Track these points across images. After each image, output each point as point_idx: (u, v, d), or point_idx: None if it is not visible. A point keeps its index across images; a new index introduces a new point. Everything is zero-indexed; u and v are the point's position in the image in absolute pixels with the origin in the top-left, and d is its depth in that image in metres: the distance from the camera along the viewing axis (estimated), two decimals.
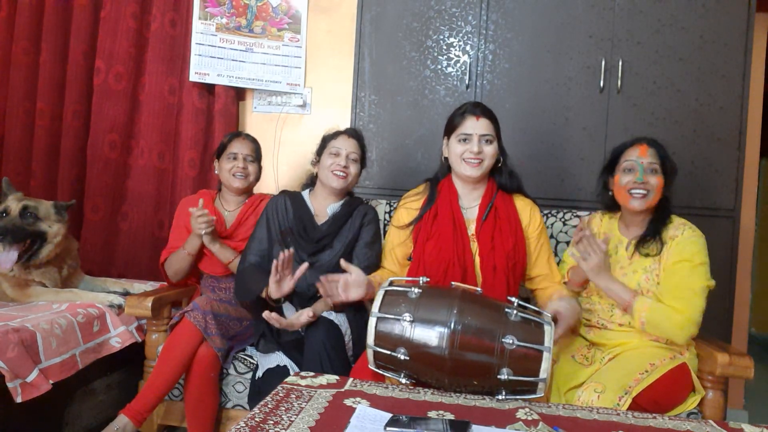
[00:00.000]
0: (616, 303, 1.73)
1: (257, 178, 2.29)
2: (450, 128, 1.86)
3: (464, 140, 1.80)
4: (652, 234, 1.75)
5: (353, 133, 2.06)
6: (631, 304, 1.67)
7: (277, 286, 1.77)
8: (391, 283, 1.52)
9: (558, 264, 1.96)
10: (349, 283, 1.70)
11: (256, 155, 2.27)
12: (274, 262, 1.74)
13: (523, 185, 1.92)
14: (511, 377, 1.35)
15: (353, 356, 1.83)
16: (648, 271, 1.74)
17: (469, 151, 1.78)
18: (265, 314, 1.74)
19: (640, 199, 1.74)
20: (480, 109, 1.82)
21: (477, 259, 1.79)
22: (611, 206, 1.89)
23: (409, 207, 1.91)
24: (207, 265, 2.20)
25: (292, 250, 1.77)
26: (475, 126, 1.79)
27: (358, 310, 1.87)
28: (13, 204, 2.11)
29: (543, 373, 1.35)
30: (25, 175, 2.86)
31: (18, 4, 2.85)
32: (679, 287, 1.66)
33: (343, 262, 1.74)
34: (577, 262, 1.73)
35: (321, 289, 1.72)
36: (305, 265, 1.76)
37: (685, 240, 1.71)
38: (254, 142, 2.30)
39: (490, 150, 1.80)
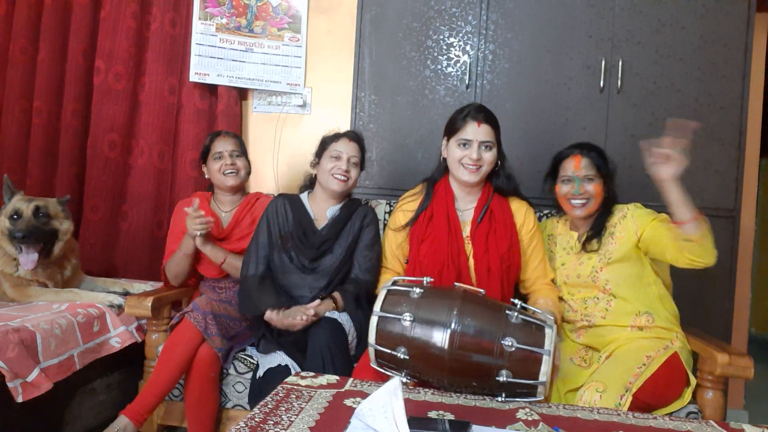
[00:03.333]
0: (677, 210, 1.62)
1: (248, 173, 2.28)
2: (451, 130, 1.85)
3: (464, 145, 1.79)
4: (596, 233, 1.85)
5: (354, 136, 2.04)
6: (696, 216, 1.61)
7: (281, 323, 1.81)
8: (394, 283, 1.52)
9: None
10: None
11: (242, 150, 2.26)
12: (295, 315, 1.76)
13: (520, 188, 1.92)
14: (510, 379, 1.35)
15: (356, 356, 1.83)
16: (600, 253, 1.84)
17: (468, 157, 1.78)
18: (267, 314, 1.77)
19: (581, 207, 1.86)
20: (483, 115, 1.81)
21: (471, 261, 1.79)
22: (559, 208, 1.98)
23: (406, 209, 1.92)
24: (204, 268, 2.20)
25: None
26: (476, 132, 1.78)
27: (362, 310, 1.87)
28: (23, 205, 2.12)
29: (542, 376, 1.35)
30: (21, 174, 2.85)
31: (16, 3, 2.85)
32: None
33: None
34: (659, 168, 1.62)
35: None
36: (311, 312, 1.77)
37: (636, 210, 1.82)
38: (236, 137, 2.29)
39: (489, 157, 1.80)
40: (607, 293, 1.82)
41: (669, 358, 1.67)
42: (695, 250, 1.63)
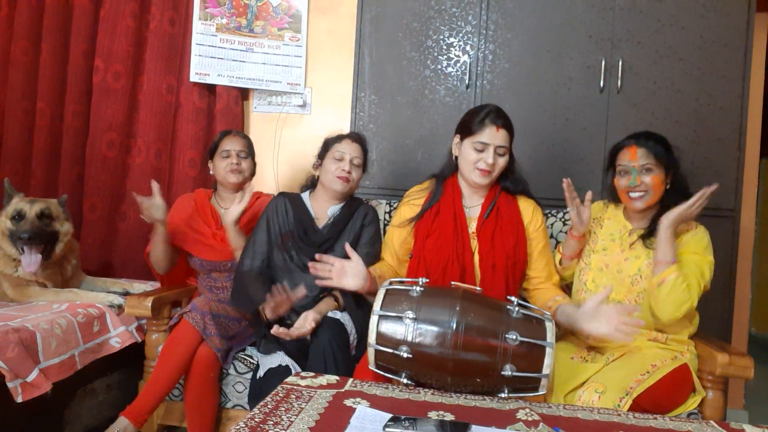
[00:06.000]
0: (660, 251, 1.68)
1: (252, 174, 2.30)
2: (466, 130, 1.81)
3: (480, 150, 1.77)
4: (657, 230, 1.74)
5: (357, 137, 2.05)
6: (672, 261, 1.65)
7: (272, 310, 1.79)
8: (391, 283, 1.52)
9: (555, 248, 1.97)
10: (345, 269, 1.68)
11: (249, 151, 2.28)
12: (274, 291, 1.74)
13: (529, 189, 1.91)
14: (515, 373, 1.35)
15: (356, 356, 1.82)
16: (650, 257, 1.75)
17: (483, 161, 1.76)
18: (274, 330, 1.75)
19: (639, 199, 1.78)
20: (502, 121, 1.78)
21: (476, 258, 1.79)
22: (618, 200, 1.90)
23: (413, 203, 1.91)
24: (204, 252, 2.18)
25: (301, 291, 1.76)
26: (494, 137, 1.76)
27: (363, 309, 1.87)
28: (26, 206, 2.13)
29: (546, 369, 1.36)
30: (24, 175, 2.85)
31: (17, 4, 2.85)
32: (688, 275, 1.66)
33: (347, 247, 1.74)
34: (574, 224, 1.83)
35: (312, 269, 1.71)
36: (302, 291, 1.76)
37: (698, 234, 1.75)
38: (246, 138, 2.31)
39: (502, 162, 1.79)
40: (637, 303, 1.75)
41: (677, 368, 1.65)
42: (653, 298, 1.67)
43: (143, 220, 2.81)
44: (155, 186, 2.09)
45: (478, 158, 1.77)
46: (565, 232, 2.20)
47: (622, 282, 1.78)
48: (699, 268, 1.69)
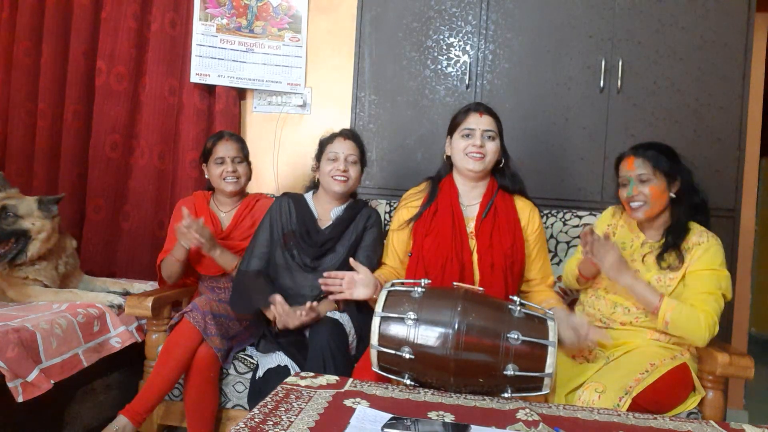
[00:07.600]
0: (640, 303, 1.71)
1: (249, 178, 2.27)
2: (453, 126, 1.87)
3: (467, 135, 1.82)
4: (671, 246, 1.74)
5: (349, 134, 2.04)
6: (657, 305, 1.65)
7: (281, 321, 1.81)
8: (393, 284, 1.52)
9: (560, 262, 1.96)
10: (355, 280, 1.72)
11: (244, 154, 2.24)
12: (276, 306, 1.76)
13: (525, 188, 1.92)
14: (517, 373, 1.35)
15: (356, 356, 1.82)
16: (661, 272, 1.74)
17: (471, 145, 1.80)
18: (272, 297, 1.77)
19: (638, 209, 1.76)
20: (483, 107, 1.85)
21: (475, 257, 1.79)
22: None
23: (411, 206, 1.92)
24: (204, 267, 2.19)
25: (311, 304, 1.78)
26: (478, 122, 1.82)
27: (361, 310, 1.87)
28: None
29: (549, 368, 1.36)
30: (27, 176, 2.87)
31: (19, 5, 2.86)
32: (707, 293, 1.67)
33: (352, 261, 1.77)
34: (597, 263, 1.71)
35: (323, 286, 1.74)
36: (308, 305, 1.78)
37: (711, 248, 1.72)
38: (239, 141, 2.26)
39: (492, 146, 1.82)
40: (642, 311, 1.74)
41: (676, 367, 1.65)
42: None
43: (146, 221, 2.85)
44: (185, 212, 2.02)
45: (467, 144, 1.81)
46: (566, 232, 2.21)
47: (628, 292, 1.76)
48: (715, 282, 1.68)
